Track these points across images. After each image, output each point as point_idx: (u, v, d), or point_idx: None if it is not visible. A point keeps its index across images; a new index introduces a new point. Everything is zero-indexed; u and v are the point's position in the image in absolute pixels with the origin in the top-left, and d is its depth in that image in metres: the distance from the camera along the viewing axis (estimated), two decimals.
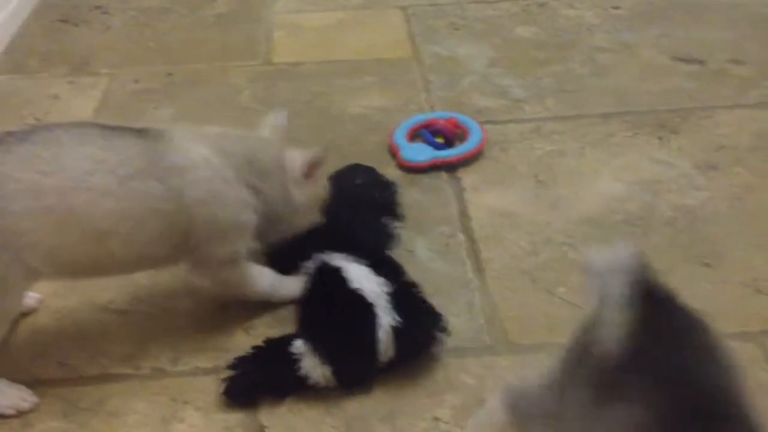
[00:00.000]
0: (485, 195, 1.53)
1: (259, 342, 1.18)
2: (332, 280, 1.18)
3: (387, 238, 1.37)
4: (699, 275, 1.33)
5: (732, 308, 1.26)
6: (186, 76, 1.94)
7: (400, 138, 1.64)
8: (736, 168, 1.57)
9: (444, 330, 1.17)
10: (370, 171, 1.51)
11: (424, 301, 1.20)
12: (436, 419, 1.10)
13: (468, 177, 1.58)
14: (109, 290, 1.30)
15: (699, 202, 1.49)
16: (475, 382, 1.15)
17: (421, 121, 1.69)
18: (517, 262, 1.37)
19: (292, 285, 1.24)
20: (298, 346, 1.13)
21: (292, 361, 1.12)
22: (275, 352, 1.15)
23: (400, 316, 1.13)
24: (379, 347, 1.12)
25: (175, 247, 1.12)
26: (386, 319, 1.12)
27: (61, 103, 1.84)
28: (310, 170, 1.23)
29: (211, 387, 1.15)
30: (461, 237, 1.43)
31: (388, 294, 1.15)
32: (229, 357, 1.18)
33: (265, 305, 1.26)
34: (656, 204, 1.48)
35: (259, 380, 1.14)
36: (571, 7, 2.24)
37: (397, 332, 1.12)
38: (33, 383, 1.15)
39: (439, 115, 1.71)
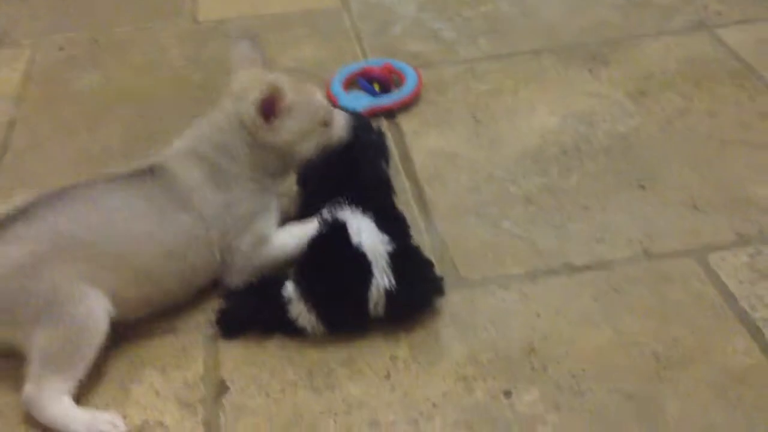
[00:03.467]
0: (425, 138, 1.54)
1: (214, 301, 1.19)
2: (336, 232, 1.15)
3: (389, 184, 1.34)
4: (637, 198, 1.37)
5: (671, 227, 1.30)
6: (111, 41, 1.90)
7: (337, 87, 1.63)
8: (665, 93, 1.61)
9: (441, 295, 1.17)
10: (358, 115, 1.45)
11: (424, 265, 1.17)
12: (394, 357, 1.12)
13: (407, 122, 1.58)
14: None
15: (632, 129, 1.52)
16: (428, 319, 1.17)
17: (356, 69, 1.68)
18: (461, 200, 1.39)
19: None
20: (289, 290, 1.13)
21: (282, 303, 1.13)
22: (267, 291, 1.15)
23: (397, 278, 1.11)
24: (370, 306, 1.11)
25: (214, 265, 1.18)
26: (382, 281, 1.11)
27: None
28: (267, 111, 1.17)
29: (171, 346, 1.15)
30: (405, 181, 1.44)
31: (389, 254, 1.13)
32: (188, 316, 1.19)
33: None
34: (591, 134, 1.52)
35: (250, 316, 1.15)
36: None
37: (390, 295, 1.11)
38: None
39: (374, 62, 1.71)
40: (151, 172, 1.17)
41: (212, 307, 1.18)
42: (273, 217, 1.23)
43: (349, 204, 1.19)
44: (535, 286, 1.22)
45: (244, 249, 1.20)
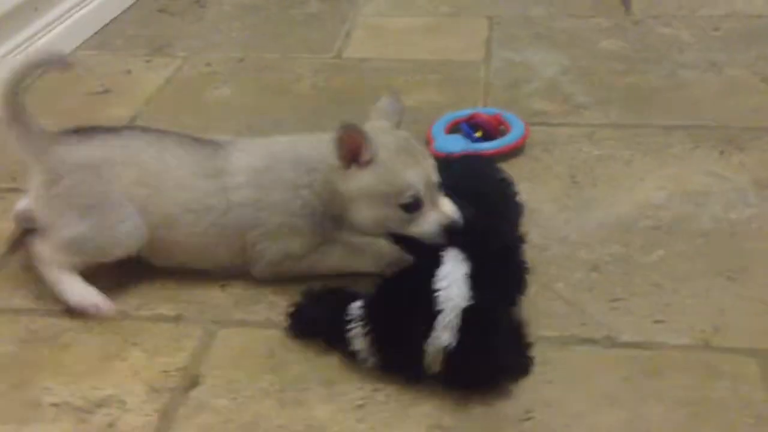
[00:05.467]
0: None
1: (233, 298, 1.18)
2: (422, 271, 1.06)
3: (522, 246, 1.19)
4: (719, 287, 1.19)
5: (745, 323, 1.11)
6: (255, 64, 1.98)
7: (438, 129, 1.59)
8: None
9: (517, 378, 1.03)
10: (498, 169, 1.36)
11: (505, 338, 1.02)
12: (376, 390, 1.03)
13: None
14: None
15: (744, 218, 1.34)
16: None
17: (464, 115, 1.63)
18: None
19: (368, 260, 1.21)
20: (355, 308, 1.06)
21: (345, 319, 1.06)
22: (338, 301, 1.10)
23: (463, 340, 0.99)
24: (426, 359, 1.01)
25: (230, 246, 1.20)
26: (444, 336, 1.00)
27: (132, 77, 1.92)
28: (345, 155, 1.12)
29: (168, 333, 1.13)
30: None
31: (466, 310, 1.00)
32: (198, 309, 1.18)
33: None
34: (695, 214, 1.35)
35: (316, 320, 1.10)
36: (668, 25, 2.11)
37: (450, 354, 0.99)
38: (7, 311, 1.19)
39: (485, 110, 1.64)
40: (213, 143, 1.24)
41: (219, 302, 1.17)
42: (303, 240, 1.20)
43: (465, 247, 1.07)
44: (563, 352, 1.08)
45: (269, 259, 1.20)
